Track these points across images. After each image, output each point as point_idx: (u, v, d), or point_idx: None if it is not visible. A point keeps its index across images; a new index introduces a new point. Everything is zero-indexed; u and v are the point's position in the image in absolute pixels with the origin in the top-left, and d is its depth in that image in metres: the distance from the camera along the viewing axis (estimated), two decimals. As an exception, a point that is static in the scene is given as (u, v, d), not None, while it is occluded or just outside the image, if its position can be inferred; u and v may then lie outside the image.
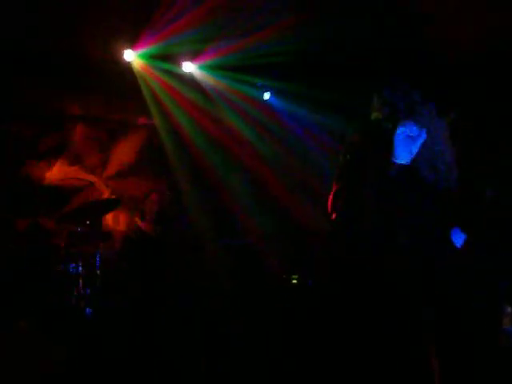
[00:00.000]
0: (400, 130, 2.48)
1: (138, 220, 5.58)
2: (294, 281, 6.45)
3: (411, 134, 2.48)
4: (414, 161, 2.49)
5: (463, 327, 2.48)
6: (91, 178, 6.67)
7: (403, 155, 2.49)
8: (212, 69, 6.43)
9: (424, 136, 2.49)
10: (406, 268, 2.35)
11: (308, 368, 4.56)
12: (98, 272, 5.05)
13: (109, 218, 6.44)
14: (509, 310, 4.37)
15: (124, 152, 6.85)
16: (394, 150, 2.50)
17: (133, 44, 5.87)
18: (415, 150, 2.49)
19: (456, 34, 4.17)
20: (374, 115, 2.63)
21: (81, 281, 4.73)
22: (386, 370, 2.36)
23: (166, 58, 6.19)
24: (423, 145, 2.50)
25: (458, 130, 2.61)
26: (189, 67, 6.41)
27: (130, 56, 5.99)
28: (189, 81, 6.48)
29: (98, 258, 5.09)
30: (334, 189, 2.53)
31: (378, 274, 2.35)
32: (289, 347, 4.98)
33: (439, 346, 2.37)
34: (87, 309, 4.70)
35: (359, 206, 2.40)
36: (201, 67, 6.43)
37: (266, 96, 7.02)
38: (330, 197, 2.53)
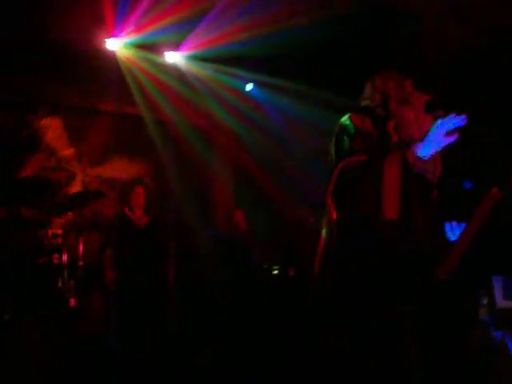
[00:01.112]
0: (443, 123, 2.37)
1: (126, 210, 5.55)
2: (275, 271, 6.49)
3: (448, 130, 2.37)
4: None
5: (445, 318, 2.51)
6: (69, 167, 6.59)
7: (427, 149, 2.40)
8: (195, 59, 6.41)
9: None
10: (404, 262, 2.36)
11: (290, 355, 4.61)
12: (82, 263, 5.02)
13: (92, 209, 6.37)
14: (484, 301, 4.47)
15: (96, 139, 6.75)
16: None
17: (115, 33, 5.82)
18: (438, 148, 2.41)
19: (444, 33, 4.23)
20: (365, 103, 2.65)
21: (65, 272, 4.69)
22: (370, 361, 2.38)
23: (148, 48, 6.14)
24: (411, 136, 2.51)
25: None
26: (172, 57, 6.37)
27: (113, 45, 5.93)
28: (172, 70, 6.45)
29: (80, 249, 5.07)
30: (335, 178, 2.49)
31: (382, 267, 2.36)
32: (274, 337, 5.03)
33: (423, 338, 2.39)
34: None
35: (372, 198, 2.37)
36: (184, 57, 6.40)
37: (249, 87, 7.04)
38: (331, 187, 2.49)
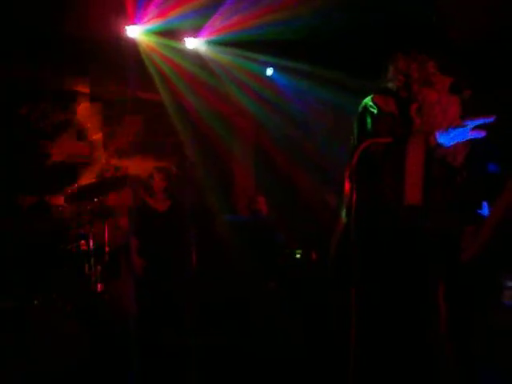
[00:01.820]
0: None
1: (147, 197, 5.61)
2: (298, 255, 6.52)
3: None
4: (427, 131, 2.47)
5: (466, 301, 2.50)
6: (96, 154, 6.67)
7: (449, 138, 2.37)
8: (215, 44, 6.41)
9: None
10: (427, 247, 2.36)
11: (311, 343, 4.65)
12: (107, 249, 5.08)
13: (113, 196, 6.45)
14: (509, 284, 4.45)
15: (129, 129, 6.85)
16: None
17: (136, 20, 5.84)
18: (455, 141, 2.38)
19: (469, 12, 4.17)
20: (389, 85, 2.63)
21: (92, 258, 4.77)
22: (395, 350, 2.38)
23: (168, 34, 6.16)
24: (434, 118, 2.50)
25: (469, 109, 2.60)
26: (192, 43, 6.39)
27: (134, 32, 5.96)
28: (193, 56, 6.46)
29: (106, 235, 5.13)
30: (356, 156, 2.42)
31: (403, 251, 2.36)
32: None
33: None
34: None
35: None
36: (204, 43, 6.41)
37: (269, 72, 7.03)
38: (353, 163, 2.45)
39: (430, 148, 2.36)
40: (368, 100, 2.57)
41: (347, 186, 2.50)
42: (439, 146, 2.36)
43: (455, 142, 2.35)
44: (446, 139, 2.35)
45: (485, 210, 2.45)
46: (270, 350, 4.69)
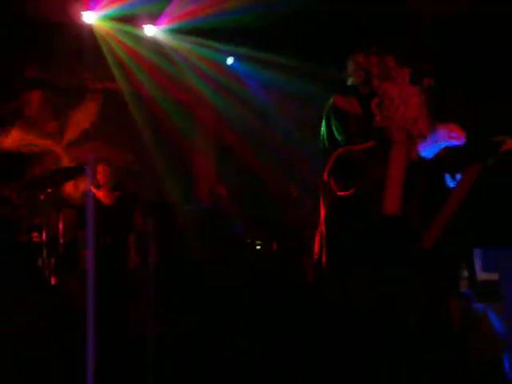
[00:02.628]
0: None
1: (93, 188, 5.49)
2: (258, 246, 6.49)
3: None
4: (388, 128, 2.46)
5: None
6: (49, 144, 6.50)
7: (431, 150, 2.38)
8: (174, 32, 6.30)
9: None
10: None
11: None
12: (61, 241, 4.96)
13: (69, 186, 6.31)
14: (465, 274, 4.51)
15: (83, 118, 6.68)
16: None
17: (92, 5, 5.69)
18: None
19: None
20: (350, 80, 2.61)
21: (45, 250, 4.64)
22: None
23: (127, 21, 6.02)
24: (395, 110, 2.48)
25: (431, 97, 2.60)
26: (151, 30, 6.26)
27: (90, 18, 5.80)
28: (151, 44, 6.34)
29: (60, 227, 5.00)
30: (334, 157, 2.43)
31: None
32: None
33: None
34: None
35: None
36: (163, 30, 6.29)
37: (230, 61, 6.96)
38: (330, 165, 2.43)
39: (411, 159, 2.36)
40: (331, 103, 2.54)
41: (327, 183, 2.48)
42: (421, 158, 2.37)
43: (436, 150, 2.36)
44: (428, 151, 2.36)
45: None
46: (228, 340, 4.66)
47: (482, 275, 4.17)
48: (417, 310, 2.39)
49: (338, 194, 2.42)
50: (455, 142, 2.33)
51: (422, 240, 2.00)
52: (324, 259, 2.48)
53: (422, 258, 2.32)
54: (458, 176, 2.43)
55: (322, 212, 2.53)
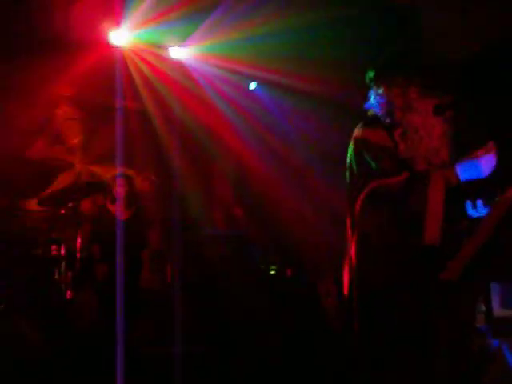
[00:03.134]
0: None
1: (108, 203, 5.54)
2: (273, 271, 6.47)
3: None
4: (411, 159, 2.47)
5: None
6: (72, 159, 6.58)
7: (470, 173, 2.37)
8: (200, 55, 6.39)
9: None
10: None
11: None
12: (79, 255, 4.99)
13: (87, 201, 6.36)
14: (482, 308, 4.46)
15: (107, 136, 6.76)
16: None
17: (122, 26, 5.80)
18: None
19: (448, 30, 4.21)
20: (371, 111, 2.62)
21: (63, 264, 4.67)
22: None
23: (154, 42, 6.12)
24: (419, 141, 2.49)
25: (454, 126, 2.60)
26: (177, 52, 6.36)
27: (119, 38, 5.91)
28: (177, 66, 6.43)
29: (79, 241, 5.04)
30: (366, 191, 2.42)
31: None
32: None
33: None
34: None
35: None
36: (189, 53, 6.38)
37: (252, 86, 7.02)
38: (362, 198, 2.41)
39: (449, 186, 2.34)
40: (360, 135, 2.54)
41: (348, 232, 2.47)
42: (460, 182, 2.35)
43: (475, 176, 2.34)
44: (467, 174, 2.34)
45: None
46: (250, 361, 4.64)
47: (498, 311, 4.12)
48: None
49: (368, 226, 2.41)
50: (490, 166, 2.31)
51: (446, 270, 1.98)
52: (355, 292, 2.45)
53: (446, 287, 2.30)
54: (479, 203, 2.42)
55: (352, 244, 2.49)
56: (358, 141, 2.54)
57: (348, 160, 2.57)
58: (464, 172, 2.34)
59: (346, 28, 5.03)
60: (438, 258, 2.31)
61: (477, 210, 2.44)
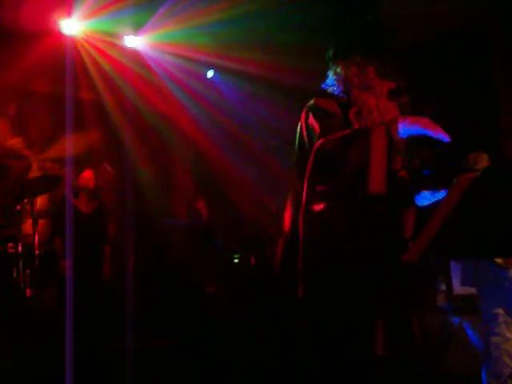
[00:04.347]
0: None
1: (71, 197, 5.44)
2: (236, 260, 6.47)
3: None
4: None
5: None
6: (27, 153, 6.40)
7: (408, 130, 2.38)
8: (156, 44, 6.30)
9: None
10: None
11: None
12: (37, 252, 4.88)
13: (43, 197, 6.21)
14: (443, 287, 4.55)
15: (63, 129, 6.59)
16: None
17: (73, 15, 5.67)
18: None
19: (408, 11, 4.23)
20: (329, 89, 2.63)
21: (21, 261, 4.55)
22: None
23: (108, 31, 6.00)
24: (372, 122, 2.50)
25: (407, 112, 2.62)
26: (131, 41, 6.25)
27: (70, 28, 5.77)
28: (132, 55, 6.32)
29: (36, 237, 4.92)
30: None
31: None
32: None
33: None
34: None
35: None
36: (144, 41, 6.28)
37: (210, 74, 6.98)
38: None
39: (391, 139, 2.35)
40: (311, 103, 2.55)
41: (304, 193, 2.46)
42: (400, 137, 2.36)
43: (411, 132, 2.34)
44: (405, 132, 2.34)
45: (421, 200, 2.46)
46: (208, 352, 4.64)
47: (459, 289, 4.20)
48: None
49: (318, 188, 2.41)
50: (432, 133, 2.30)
51: (407, 252, 2.00)
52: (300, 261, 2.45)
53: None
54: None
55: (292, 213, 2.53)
56: (307, 108, 2.56)
57: (298, 128, 2.58)
58: (404, 127, 2.34)
59: (295, 14, 5.02)
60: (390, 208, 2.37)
61: (425, 197, 2.47)
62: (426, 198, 2.42)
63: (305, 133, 2.54)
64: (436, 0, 4.38)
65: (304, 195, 2.45)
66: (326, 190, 2.41)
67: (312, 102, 2.57)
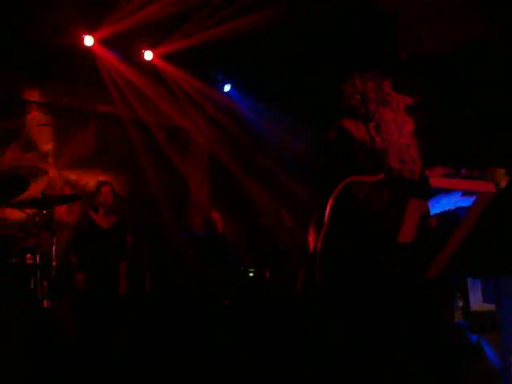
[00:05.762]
0: None
1: (91, 213, 5.47)
2: (251, 274, 6.46)
3: None
4: (386, 151, 2.48)
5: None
6: (45, 166, 6.48)
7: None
8: (172, 58, 6.37)
9: None
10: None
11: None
12: (54, 263, 4.92)
13: (62, 209, 6.27)
14: (460, 303, 4.50)
15: (80, 142, 6.68)
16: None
17: (93, 30, 5.75)
18: None
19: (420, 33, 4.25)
20: (344, 104, 2.63)
21: (38, 272, 4.58)
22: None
23: (126, 46, 6.08)
24: (391, 135, 2.51)
25: (423, 126, 2.63)
26: (149, 56, 6.32)
27: (90, 42, 5.86)
28: (150, 69, 6.39)
29: (53, 249, 4.96)
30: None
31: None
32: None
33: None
34: None
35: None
36: (162, 56, 6.35)
37: (227, 88, 7.03)
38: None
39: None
40: (339, 126, 2.51)
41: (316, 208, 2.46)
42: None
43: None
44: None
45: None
46: (224, 366, 4.63)
47: (479, 306, 4.15)
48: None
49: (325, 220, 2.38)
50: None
51: (429, 269, 1.98)
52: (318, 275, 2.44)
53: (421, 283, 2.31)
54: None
55: (314, 237, 2.50)
56: (334, 129, 2.53)
57: (324, 146, 2.57)
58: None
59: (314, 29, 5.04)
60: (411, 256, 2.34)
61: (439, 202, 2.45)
62: (440, 203, 2.41)
63: (333, 156, 2.53)
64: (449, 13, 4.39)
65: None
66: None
67: (340, 124, 2.52)
